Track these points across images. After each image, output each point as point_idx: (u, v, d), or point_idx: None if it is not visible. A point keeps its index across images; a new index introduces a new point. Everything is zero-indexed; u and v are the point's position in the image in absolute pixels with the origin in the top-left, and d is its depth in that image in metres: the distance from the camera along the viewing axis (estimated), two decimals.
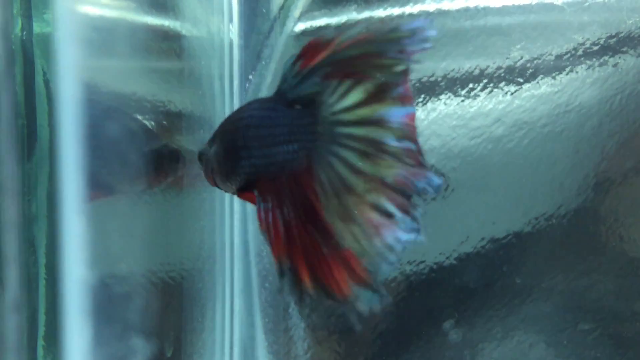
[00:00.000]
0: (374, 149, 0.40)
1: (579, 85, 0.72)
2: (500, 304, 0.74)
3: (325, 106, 0.41)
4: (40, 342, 0.55)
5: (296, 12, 0.79)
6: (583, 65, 0.72)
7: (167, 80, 0.66)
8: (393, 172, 0.40)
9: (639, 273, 0.71)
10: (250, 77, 0.82)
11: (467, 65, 0.74)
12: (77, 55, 0.38)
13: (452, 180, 0.74)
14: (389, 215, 0.40)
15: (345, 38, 0.40)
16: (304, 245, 0.43)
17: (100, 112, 0.45)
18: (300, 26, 0.80)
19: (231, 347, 0.82)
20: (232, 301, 0.83)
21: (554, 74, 0.72)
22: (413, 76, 0.41)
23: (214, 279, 0.78)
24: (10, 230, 0.35)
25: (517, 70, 0.73)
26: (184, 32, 0.69)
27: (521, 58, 0.73)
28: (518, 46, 0.73)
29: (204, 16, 0.77)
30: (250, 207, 0.80)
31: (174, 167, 0.63)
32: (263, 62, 0.81)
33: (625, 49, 0.71)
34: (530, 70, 0.73)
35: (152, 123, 0.62)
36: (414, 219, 0.40)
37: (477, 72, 0.74)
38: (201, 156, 0.55)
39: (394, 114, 0.39)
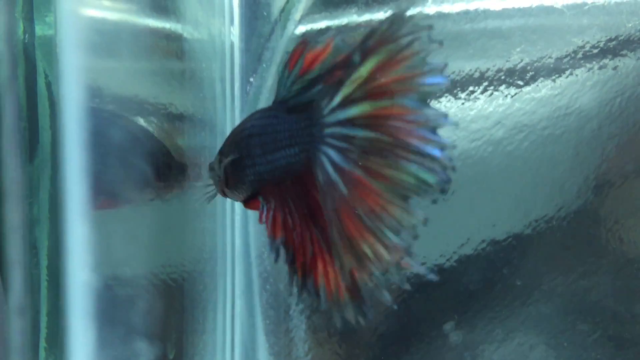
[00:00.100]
0: (354, 147, 0.40)
1: (578, 88, 0.72)
2: (500, 306, 0.74)
3: (318, 109, 0.41)
4: (42, 344, 0.55)
5: (297, 15, 0.79)
6: (583, 68, 0.72)
7: (169, 82, 0.67)
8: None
9: (639, 275, 0.71)
10: (251, 79, 0.82)
11: (467, 68, 0.74)
12: (80, 58, 0.38)
13: (453, 182, 0.74)
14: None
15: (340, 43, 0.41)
16: (303, 241, 0.44)
17: (105, 119, 0.45)
18: (301, 29, 0.80)
19: (232, 349, 0.82)
20: (233, 303, 0.83)
21: (553, 77, 0.72)
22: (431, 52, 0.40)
23: (215, 281, 0.78)
24: (14, 234, 0.35)
25: (517, 73, 0.73)
26: (185, 34, 0.69)
27: (521, 61, 0.73)
28: (518, 49, 0.73)
29: (205, 19, 0.77)
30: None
31: (180, 180, 0.64)
32: (264, 65, 0.81)
33: (624, 52, 0.71)
34: (530, 73, 0.73)
35: (159, 132, 0.62)
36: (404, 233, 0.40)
37: (477, 74, 0.74)
38: (211, 168, 0.57)
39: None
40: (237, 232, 0.83)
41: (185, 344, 0.69)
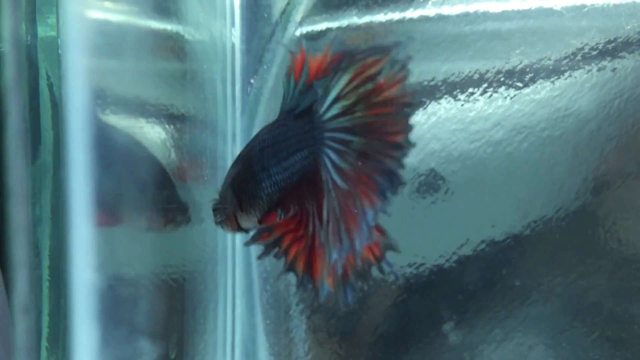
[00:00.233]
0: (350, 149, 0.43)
1: (577, 90, 0.72)
2: (499, 306, 0.74)
3: (317, 113, 0.44)
4: (44, 343, 0.55)
5: (297, 17, 0.80)
6: (582, 70, 0.72)
7: (170, 84, 0.67)
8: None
9: (637, 275, 0.71)
10: (252, 81, 0.82)
11: (467, 69, 0.74)
12: (84, 60, 0.38)
13: (452, 183, 0.75)
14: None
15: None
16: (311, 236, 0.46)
17: (115, 151, 0.46)
18: (302, 30, 0.80)
19: (232, 349, 0.82)
20: (234, 303, 0.83)
21: (553, 79, 0.73)
22: (413, 80, 0.42)
23: (216, 281, 0.78)
24: (19, 235, 0.36)
25: (516, 75, 0.73)
26: (186, 36, 0.70)
27: (520, 63, 0.73)
28: (517, 51, 0.73)
29: (207, 20, 0.77)
30: None
31: (178, 218, 0.64)
32: (265, 66, 0.82)
33: (623, 54, 0.71)
34: (530, 75, 0.73)
35: (170, 166, 0.63)
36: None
37: (476, 76, 0.74)
38: (216, 208, 0.57)
39: None
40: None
41: (186, 344, 0.69)
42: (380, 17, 0.77)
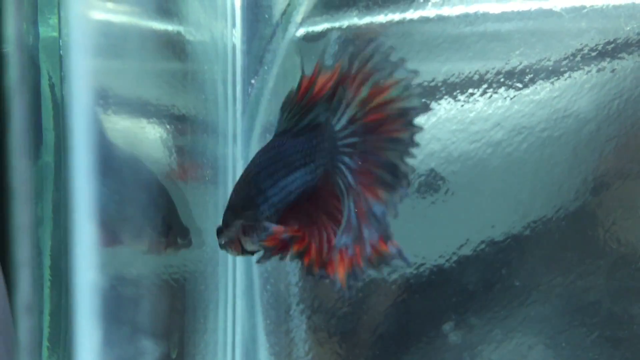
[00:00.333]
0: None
1: (577, 91, 0.73)
2: (499, 306, 0.74)
3: (329, 127, 0.46)
4: (45, 343, 0.55)
5: (298, 18, 0.80)
6: (581, 71, 0.72)
7: (171, 84, 0.67)
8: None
9: (636, 275, 0.72)
10: (253, 81, 0.82)
11: (467, 70, 0.74)
12: (86, 61, 0.39)
13: (452, 183, 0.75)
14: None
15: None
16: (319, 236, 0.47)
17: (116, 151, 0.46)
18: (302, 31, 0.80)
19: (233, 349, 0.82)
20: (234, 303, 0.83)
21: (552, 80, 0.73)
22: (412, 81, 0.43)
23: (217, 281, 0.78)
24: (22, 235, 0.36)
25: (516, 76, 0.73)
26: (187, 37, 0.70)
27: (520, 63, 0.73)
28: (517, 52, 0.73)
29: (207, 21, 0.77)
30: None
31: (178, 243, 0.64)
32: (265, 67, 0.82)
33: (622, 54, 0.72)
34: (529, 76, 0.73)
35: (175, 192, 0.64)
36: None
37: (476, 77, 0.74)
38: (221, 232, 0.57)
39: None
40: None
41: (187, 344, 0.69)
42: (380, 17, 0.77)
